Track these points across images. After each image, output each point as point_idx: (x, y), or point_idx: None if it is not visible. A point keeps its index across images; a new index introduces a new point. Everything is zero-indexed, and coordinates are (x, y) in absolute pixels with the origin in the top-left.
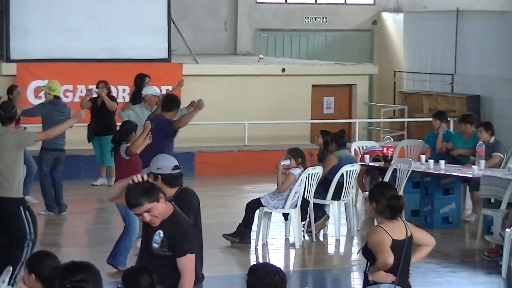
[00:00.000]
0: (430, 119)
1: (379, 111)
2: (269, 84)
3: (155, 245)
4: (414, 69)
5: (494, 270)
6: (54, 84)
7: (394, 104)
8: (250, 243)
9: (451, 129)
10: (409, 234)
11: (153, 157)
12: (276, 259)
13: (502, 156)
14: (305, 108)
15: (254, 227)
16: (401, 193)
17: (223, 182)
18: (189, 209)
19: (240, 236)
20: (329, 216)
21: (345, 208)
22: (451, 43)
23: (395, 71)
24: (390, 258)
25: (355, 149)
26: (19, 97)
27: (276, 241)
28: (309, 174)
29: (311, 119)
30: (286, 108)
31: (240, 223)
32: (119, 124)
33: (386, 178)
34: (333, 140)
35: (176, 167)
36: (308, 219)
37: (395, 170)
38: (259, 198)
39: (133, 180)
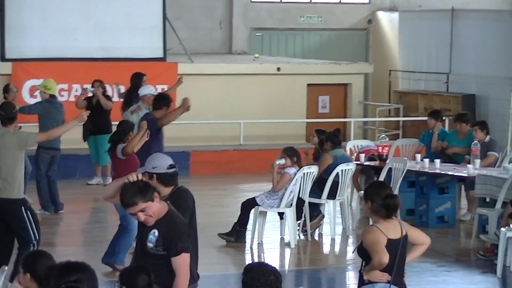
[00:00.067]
0: (425, 118)
1: (374, 110)
2: (264, 83)
3: (150, 245)
4: (409, 68)
5: (489, 269)
6: (50, 83)
7: (389, 103)
8: (245, 242)
9: (446, 128)
10: (404, 233)
11: (144, 155)
12: (272, 259)
13: (497, 155)
14: (301, 107)
15: (250, 226)
16: (396, 192)
17: (218, 181)
18: (184, 208)
19: (236, 235)
20: (324, 215)
21: (341, 207)
22: (446, 42)
23: (390, 70)
24: (385, 258)
25: (350, 148)
26: (14, 95)
27: (271, 240)
28: (304, 173)
29: (307, 118)
30: (281, 107)
31: (235, 222)
32: (114, 123)
33: (382, 177)
34: (328, 139)
35: (171, 166)
36: (303, 218)
37: (390, 169)
38: (254, 197)
39: (128, 180)
